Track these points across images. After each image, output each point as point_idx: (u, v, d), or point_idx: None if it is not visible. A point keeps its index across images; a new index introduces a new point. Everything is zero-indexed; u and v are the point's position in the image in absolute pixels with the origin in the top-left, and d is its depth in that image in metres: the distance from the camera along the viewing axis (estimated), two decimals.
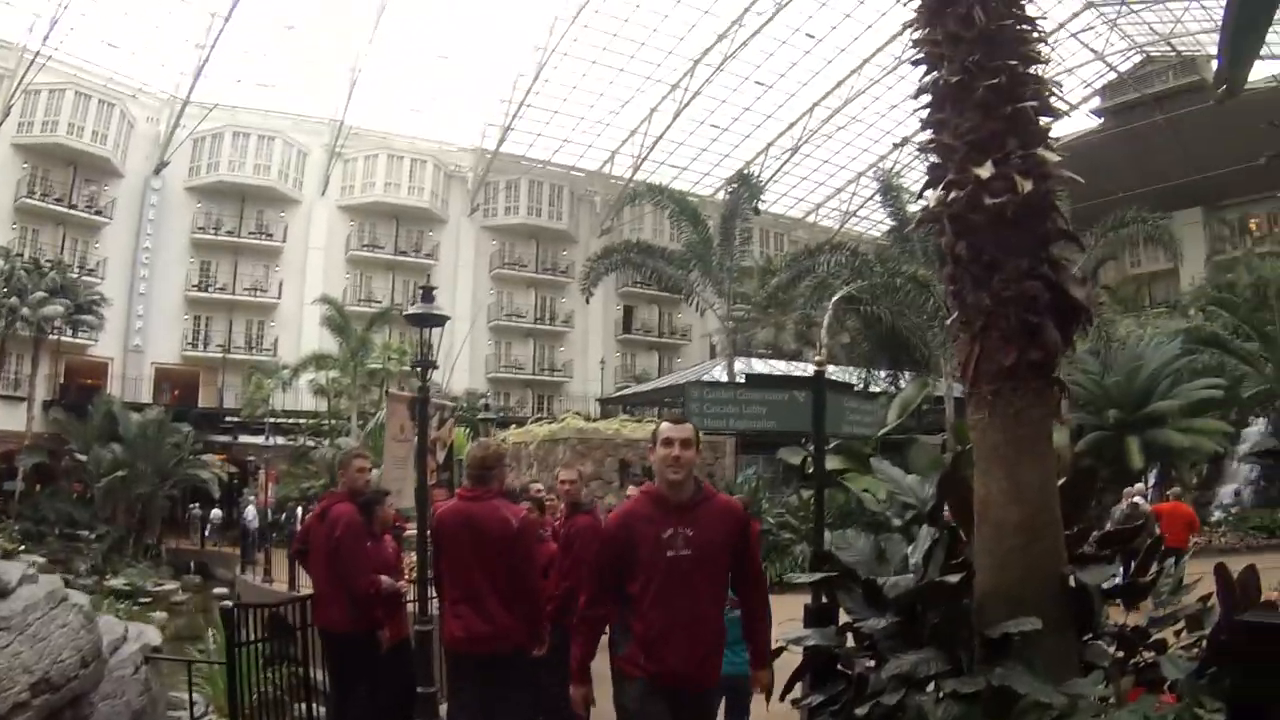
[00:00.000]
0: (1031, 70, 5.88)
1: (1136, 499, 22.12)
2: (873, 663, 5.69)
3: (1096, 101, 65.60)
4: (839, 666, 5.92)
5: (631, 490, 8.49)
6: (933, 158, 6.12)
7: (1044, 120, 5.89)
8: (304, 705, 9.10)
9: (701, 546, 5.13)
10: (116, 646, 9.16)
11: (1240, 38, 2.96)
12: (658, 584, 5.11)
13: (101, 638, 8.57)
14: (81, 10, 46.68)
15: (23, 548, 30.71)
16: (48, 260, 47.46)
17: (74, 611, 7.97)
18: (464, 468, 8.78)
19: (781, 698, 6.24)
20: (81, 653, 7.67)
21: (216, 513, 46.45)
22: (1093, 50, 58.99)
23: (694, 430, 5.33)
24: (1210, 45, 48.50)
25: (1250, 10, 2.89)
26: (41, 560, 31.40)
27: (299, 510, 36.34)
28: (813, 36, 55.01)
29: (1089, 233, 32.62)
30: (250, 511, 39.78)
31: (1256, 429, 34.89)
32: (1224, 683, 4.77)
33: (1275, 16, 2.98)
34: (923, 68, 6.18)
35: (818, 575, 6.43)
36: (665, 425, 5.42)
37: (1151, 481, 29.80)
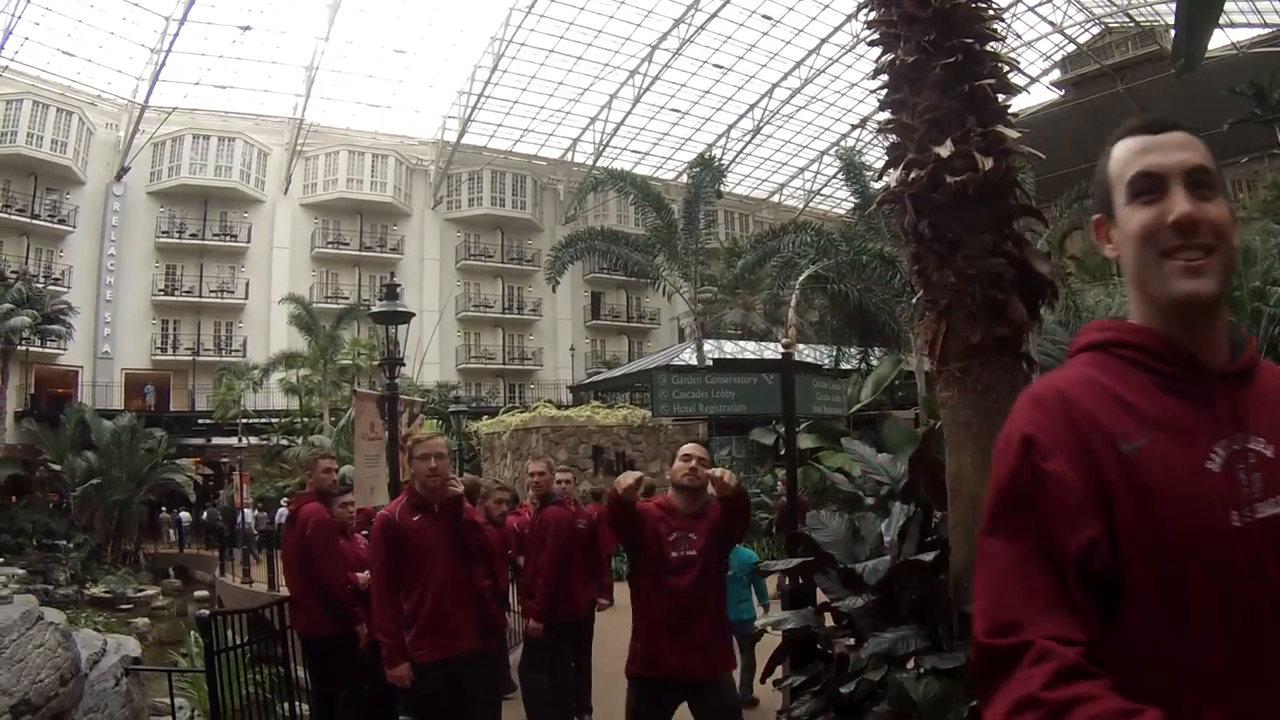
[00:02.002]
0: (988, 47, 5.89)
1: None
2: (852, 641, 5.68)
3: (1056, 74, 65.84)
4: (818, 646, 5.94)
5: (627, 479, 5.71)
6: (892, 137, 6.11)
7: (1002, 97, 5.90)
8: (288, 705, 9.10)
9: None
10: (96, 660, 9.16)
11: (1196, 11, 2.97)
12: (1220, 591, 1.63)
13: (80, 653, 8.56)
14: (35, 19, 46.47)
15: (1, 560, 30.59)
16: (13, 272, 46.97)
17: (50, 630, 7.96)
18: None
19: (763, 680, 6.28)
20: (60, 670, 7.67)
21: (185, 515, 46.25)
22: (1051, 23, 59.17)
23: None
24: (1168, 15, 48.67)
25: None
26: (21, 572, 31.40)
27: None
28: (769, 18, 55.17)
29: (1054, 205, 32.76)
30: (248, 514, 40.06)
31: None
32: None
33: None
34: (879, 48, 6.19)
35: (795, 561, 6.42)
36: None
37: None
